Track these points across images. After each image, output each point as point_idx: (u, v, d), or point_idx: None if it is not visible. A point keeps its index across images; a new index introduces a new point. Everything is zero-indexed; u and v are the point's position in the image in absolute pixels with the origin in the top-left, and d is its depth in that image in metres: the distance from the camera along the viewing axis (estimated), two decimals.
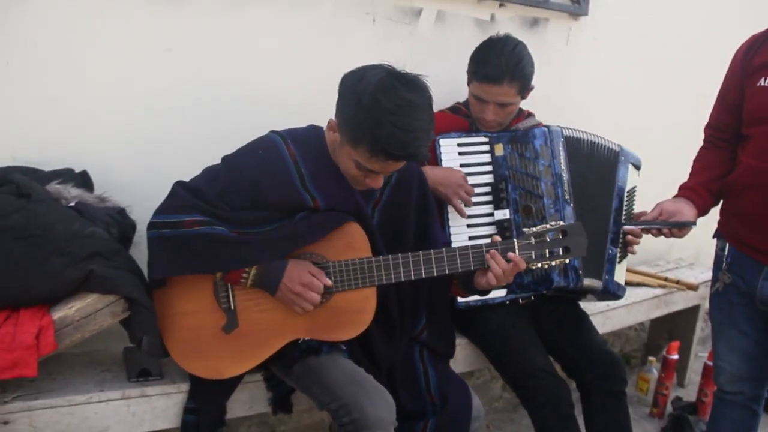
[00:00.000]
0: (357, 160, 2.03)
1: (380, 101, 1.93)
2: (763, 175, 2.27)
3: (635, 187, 2.77)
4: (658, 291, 3.42)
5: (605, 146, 2.70)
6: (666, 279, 3.51)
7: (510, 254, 2.15)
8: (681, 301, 3.52)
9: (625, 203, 2.69)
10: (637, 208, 2.70)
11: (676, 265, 3.87)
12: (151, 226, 2.06)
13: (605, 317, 3.14)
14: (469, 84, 2.69)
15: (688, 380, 3.80)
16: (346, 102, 2.01)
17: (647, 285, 3.45)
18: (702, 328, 3.78)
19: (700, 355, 3.78)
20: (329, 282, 2.09)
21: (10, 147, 2.26)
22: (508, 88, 2.57)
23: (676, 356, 3.46)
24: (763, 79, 2.29)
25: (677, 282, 3.49)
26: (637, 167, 2.80)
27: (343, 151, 2.07)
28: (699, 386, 3.55)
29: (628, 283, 3.33)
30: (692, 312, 3.60)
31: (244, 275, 2.05)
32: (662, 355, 3.49)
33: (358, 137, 1.98)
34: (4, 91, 2.25)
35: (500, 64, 2.54)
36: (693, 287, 3.46)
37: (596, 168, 2.67)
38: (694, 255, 3.83)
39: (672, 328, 3.76)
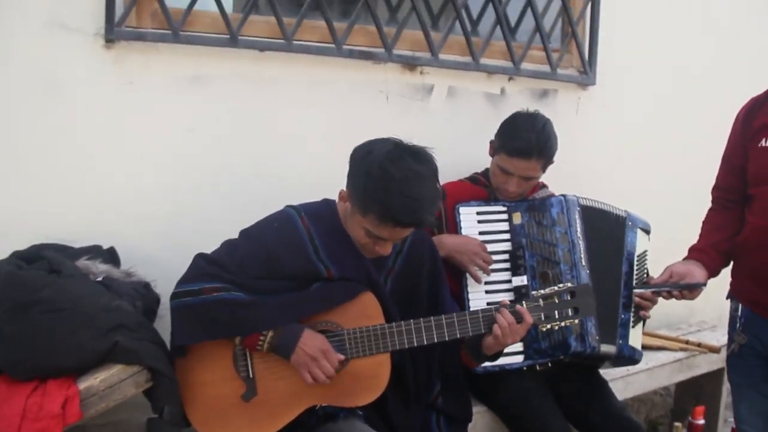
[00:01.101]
0: (367, 228, 2.12)
1: (389, 171, 2.04)
2: None
3: (646, 251, 2.81)
4: (680, 354, 3.39)
5: (613, 213, 2.77)
6: (687, 342, 3.49)
7: (518, 307, 2.21)
8: (704, 365, 3.49)
9: (635, 268, 2.73)
10: (652, 272, 2.72)
11: (698, 328, 3.84)
12: (173, 296, 2.16)
13: (626, 382, 3.13)
14: (493, 155, 2.78)
15: None
16: (356, 173, 2.12)
17: (668, 349, 3.42)
18: (729, 391, 3.72)
19: (729, 420, 3.71)
20: (342, 357, 2.15)
21: (42, 225, 2.38)
22: (535, 163, 2.67)
23: (702, 421, 3.42)
24: (764, 140, 2.35)
25: (698, 345, 3.47)
26: (647, 231, 2.85)
27: (353, 220, 2.16)
28: None
29: (648, 347, 3.34)
30: (717, 375, 3.56)
31: (261, 338, 2.12)
32: (688, 420, 3.45)
33: (368, 206, 2.07)
34: (39, 174, 2.41)
35: (530, 140, 2.64)
36: (715, 349, 3.44)
37: (606, 234, 2.73)
38: (716, 318, 3.80)
39: (698, 392, 3.71)
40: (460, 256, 2.61)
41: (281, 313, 2.14)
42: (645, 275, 2.79)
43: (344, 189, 2.21)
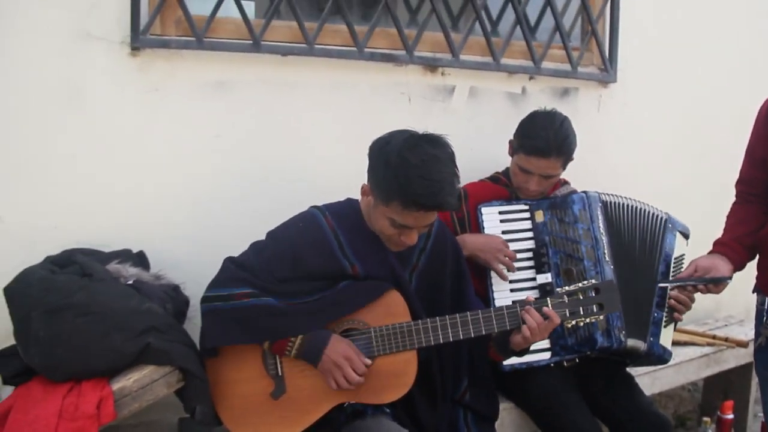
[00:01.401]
0: (391, 218, 2.15)
1: (407, 158, 2.08)
2: None
3: (683, 255, 2.81)
4: (707, 350, 3.38)
5: (651, 213, 2.78)
6: (714, 337, 3.48)
7: (545, 309, 2.22)
8: (732, 359, 3.47)
9: (672, 270, 2.74)
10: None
11: (726, 322, 3.82)
12: (204, 300, 2.20)
13: (653, 378, 3.13)
14: (512, 155, 2.80)
15: None
16: (376, 164, 2.17)
17: (695, 344, 3.41)
18: (758, 386, 3.70)
19: (759, 415, 3.69)
20: (369, 362, 2.18)
21: (74, 231, 2.44)
22: (554, 161, 2.68)
23: (731, 416, 3.40)
24: None
25: (726, 339, 3.46)
26: (686, 236, 2.85)
27: (377, 212, 2.20)
28: None
29: (676, 343, 3.30)
30: (746, 370, 3.54)
31: (290, 344, 2.16)
32: (717, 415, 3.43)
33: (390, 194, 2.11)
34: (70, 181, 2.46)
35: (548, 138, 2.65)
36: (743, 344, 3.42)
37: (641, 233, 2.74)
38: (744, 312, 3.78)
39: (727, 387, 3.69)
40: (483, 255, 2.63)
41: (309, 318, 2.18)
42: None
43: (366, 183, 2.25)
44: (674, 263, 2.75)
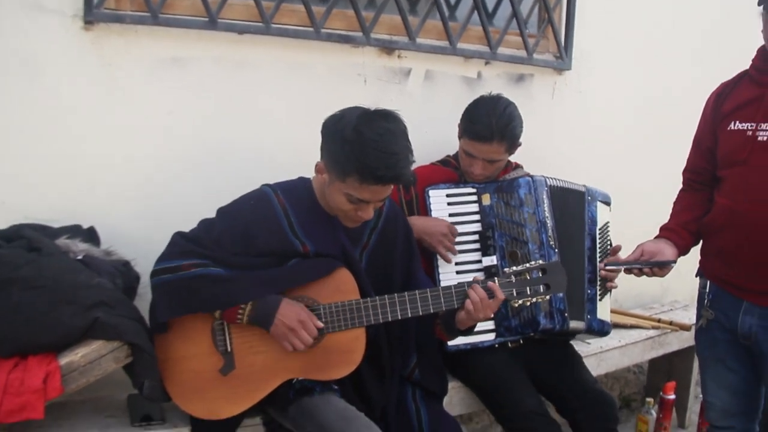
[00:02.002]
0: (348, 193, 2.17)
1: (363, 132, 2.11)
2: (736, 215, 2.36)
3: (607, 223, 2.88)
4: (652, 332, 3.46)
5: (573, 189, 2.82)
6: (659, 320, 3.56)
7: (490, 283, 2.27)
8: (676, 342, 3.56)
9: (598, 241, 2.80)
10: (626, 252, 2.78)
11: (671, 307, 3.91)
12: (153, 274, 2.20)
13: (599, 359, 3.20)
14: (460, 138, 2.81)
15: (689, 421, 3.81)
16: (331, 140, 2.18)
17: (641, 327, 3.49)
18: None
19: (699, 396, 3.79)
20: (321, 324, 2.20)
21: (22, 206, 2.42)
22: (497, 146, 2.70)
23: (672, 396, 3.50)
24: (732, 123, 2.40)
25: (670, 323, 3.54)
26: (607, 203, 2.91)
27: (333, 188, 2.21)
28: (697, 426, 3.59)
29: (622, 326, 3.41)
30: (688, 353, 3.63)
31: (240, 311, 2.16)
32: (660, 396, 3.52)
33: (347, 169, 2.13)
34: (18, 154, 2.43)
35: (491, 124, 2.67)
36: (686, 327, 3.51)
37: (569, 211, 2.79)
38: (689, 297, 3.86)
39: (670, 369, 3.79)
40: (428, 238, 2.66)
41: (259, 286, 2.19)
42: (608, 246, 2.86)
43: (320, 161, 2.25)
44: (600, 233, 2.82)
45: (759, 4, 2.29)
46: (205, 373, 2.22)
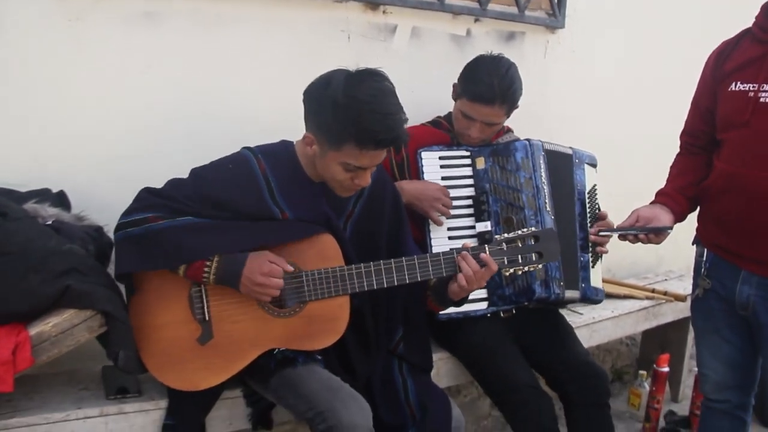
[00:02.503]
0: (345, 161, 2.08)
1: (355, 96, 2.02)
2: (736, 179, 2.28)
3: (595, 185, 2.80)
4: (646, 303, 3.40)
5: (561, 152, 2.74)
6: (653, 290, 3.50)
7: (482, 255, 2.18)
8: (670, 313, 3.50)
9: (588, 206, 2.72)
10: (619, 219, 2.69)
11: (666, 277, 3.86)
12: (117, 228, 2.10)
13: (591, 330, 3.13)
14: (456, 99, 2.72)
15: (682, 395, 3.77)
16: (320, 109, 2.08)
17: (634, 297, 3.43)
18: (694, 340, 3.76)
19: (693, 369, 3.75)
20: (290, 268, 2.11)
21: None
22: (498, 109, 2.61)
23: (666, 369, 3.44)
24: (734, 84, 2.31)
25: (665, 293, 3.48)
26: (593, 165, 2.84)
27: (326, 160, 2.11)
28: (691, 399, 3.54)
29: (615, 296, 3.35)
30: (683, 324, 3.58)
31: (206, 269, 2.06)
32: (653, 368, 3.46)
33: (343, 136, 2.04)
34: None
35: (493, 85, 2.57)
36: (681, 298, 3.44)
37: (560, 176, 2.71)
38: (685, 267, 3.81)
39: (664, 341, 3.74)
40: (419, 203, 2.57)
41: (228, 238, 2.09)
42: (597, 210, 2.79)
43: (307, 133, 2.14)
44: (588, 197, 2.75)
45: None
46: (182, 343, 2.13)
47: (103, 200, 2.40)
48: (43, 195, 2.28)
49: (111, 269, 2.22)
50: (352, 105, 2.01)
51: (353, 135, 2.03)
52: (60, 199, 2.33)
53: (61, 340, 1.99)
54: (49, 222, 2.17)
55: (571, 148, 2.76)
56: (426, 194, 2.57)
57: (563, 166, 2.72)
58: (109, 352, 2.10)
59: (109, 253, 2.28)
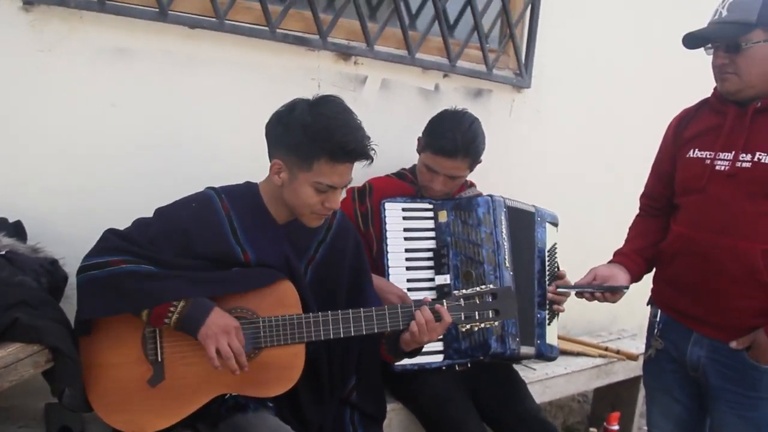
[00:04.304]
0: (316, 181, 2.10)
1: (323, 113, 2.09)
2: (691, 243, 2.32)
3: (555, 244, 2.84)
4: (599, 361, 3.43)
5: (523, 210, 2.77)
6: (606, 349, 3.53)
7: (437, 306, 2.19)
8: (622, 372, 3.53)
9: (547, 263, 2.75)
10: (578, 276, 2.72)
11: (619, 336, 3.89)
12: (80, 270, 2.07)
13: (544, 386, 3.14)
14: (420, 152, 2.75)
15: None
16: (289, 132, 2.11)
17: (587, 355, 3.45)
18: (644, 399, 3.79)
19: (643, 428, 3.77)
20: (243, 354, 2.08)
21: None
22: (460, 162, 2.65)
23: (616, 427, 3.45)
24: (692, 150, 2.37)
25: (617, 352, 3.51)
26: (555, 224, 2.88)
27: (297, 184, 2.13)
28: None
29: (569, 353, 3.37)
30: (634, 383, 3.61)
31: (169, 314, 2.03)
32: (603, 426, 3.48)
33: (314, 153, 2.07)
34: None
35: (456, 139, 2.61)
36: (633, 357, 3.48)
37: (521, 234, 2.73)
38: (637, 327, 3.85)
39: (614, 399, 3.76)
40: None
41: (191, 286, 2.07)
42: (556, 269, 2.81)
43: (276, 160, 2.16)
44: (548, 255, 2.78)
45: (687, 47, 2.30)
46: (132, 383, 2.09)
47: (60, 232, 2.39)
48: None
49: (63, 303, 2.17)
50: (321, 121, 2.08)
51: (326, 149, 2.07)
52: (16, 229, 2.29)
53: (4, 375, 1.91)
54: (2, 252, 2.12)
55: (533, 206, 2.80)
56: (387, 296, 2.54)
57: (525, 224, 2.76)
58: (54, 389, 2.05)
59: (63, 287, 2.24)
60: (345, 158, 2.09)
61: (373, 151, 2.15)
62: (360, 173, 2.25)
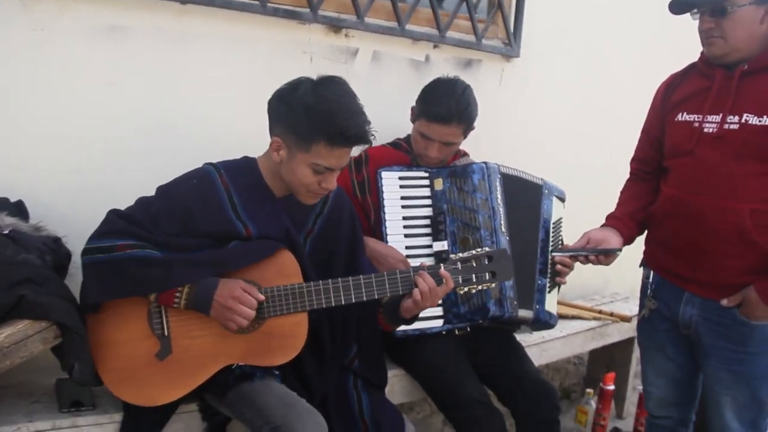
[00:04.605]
0: (314, 162, 2.12)
1: (325, 96, 2.10)
2: (681, 204, 2.37)
3: (561, 218, 2.88)
4: (593, 323, 3.49)
5: (530, 181, 2.82)
6: (600, 312, 3.59)
7: (441, 271, 2.22)
8: (616, 333, 3.59)
9: (551, 235, 2.79)
10: (570, 241, 2.77)
11: (612, 299, 3.96)
12: (84, 252, 2.09)
13: (541, 349, 3.20)
14: (414, 121, 2.77)
15: (627, 412, 3.86)
16: (290, 111, 2.13)
17: (582, 318, 3.51)
18: (638, 359, 3.85)
19: (637, 388, 3.85)
20: (261, 297, 2.13)
21: None
22: (455, 128, 2.67)
23: (611, 387, 3.53)
24: (680, 114, 2.42)
25: (611, 314, 3.57)
26: (562, 199, 2.92)
27: (294, 163, 2.15)
28: (635, 416, 3.64)
29: (564, 316, 3.42)
30: (628, 344, 3.68)
31: (177, 295, 2.08)
32: (599, 387, 3.55)
33: (313, 135, 2.09)
34: None
35: (450, 105, 2.64)
36: (626, 319, 3.54)
37: (524, 202, 2.77)
38: (630, 290, 3.91)
39: (609, 361, 3.82)
40: (377, 265, 2.58)
41: (195, 269, 2.10)
42: (560, 242, 2.86)
43: (275, 138, 2.18)
44: (553, 228, 2.82)
45: (674, 13, 2.34)
46: (140, 358, 2.13)
47: (61, 212, 2.40)
48: (0, 204, 2.26)
49: (68, 281, 2.20)
50: (323, 104, 2.08)
51: (324, 133, 2.08)
52: (18, 209, 2.30)
53: (14, 351, 1.95)
54: (6, 231, 2.14)
55: (541, 179, 2.84)
56: (387, 261, 2.60)
57: (531, 194, 2.80)
58: (64, 364, 2.08)
59: (66, 265, 2.26)
60: (344, 143, 2.11)
61: (373, 137, 2.16)
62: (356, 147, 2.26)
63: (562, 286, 2.88)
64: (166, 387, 2.13)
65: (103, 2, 2.45)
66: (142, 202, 2.19)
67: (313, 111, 2.08)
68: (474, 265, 2.28)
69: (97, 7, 2.44)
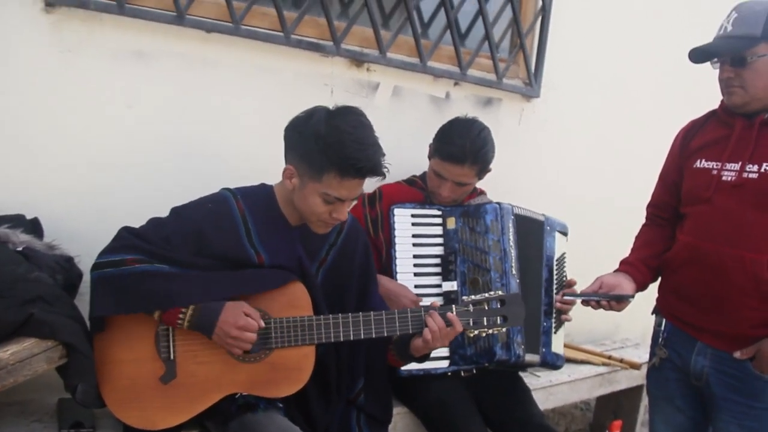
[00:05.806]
0: (325, 192, 2.11)
1: (338, 126, 2.08)
2: (698, 252, 2.35)
3: (564, 253, 2.86)
4: (602, 369, 3.44)
5: (533, 218, 2.80)
6: (610, 357, 3.55)
7: (448, 314, 2.21)
8: (624, 380, 3.54)
9: (555, 272, 2.77)
10: (583, 284, 2.74)
11: (622, 344, 3.91)
12: (94, 267, 2.10)
13: (548, 393, 3.16)
14: (430, 158, 2.77)
15: None
16: (303, 140, 2.12)
17: (591, 363, 3.47)
18: (646, 408, 3.80)
19: None
20: (262, 324, 2.12)
21: None
22: (468, 169, 2.67)
23: None
24: (699, 161, 2.40)
25: (621, 360, 3.53)
26: (564, 234, 2.90)
27: (306, 191, 2.14)
28: None
29: (572, 360, 3.38)
30: (636, 392, 3.63)
31: (181, 315, 2.07)
32: None
33: (325, 165, 2.08)
34: None
35: (464, 146, 2.63)
36: (636, 366, 3.50)
37: (530, 241, 2.76)
38: (640, 336, 3.88)
39: (617, 408, 3.78)
40: (390, 303, 2.58)
41: (203, 288, 2.10)
42: (564, 278, 2.83)
43: (289, 166, 2.18)
44: (556, 265, 2.79)
45: (694, 62, 2.33)
46: (145, 380, 2.12)
47: (76, 231, 2.42)
48: (16, 221, 2.28)
49: (78, 301, 2.20)
50: (334, 134, 2.07)
51: (335, 164, 2.07)
52: (33, 226, 2.32)
53: (18, 369, 1.95)
54: (20, 248, 2.16)
55: (543, 215, 2.82)
56: (399, 300, 2.59)
57: (534, 232, 2.78)
58: (68, 385, 2.08)
59: (77, 284, 2.27)
60: (355, 174, 2.10)
61: (386, 169, 2.14)
62: (371, 180, 2.26)
63: (573, 330, 2.85)
64: (168, 411, 2.12)
65: (130, 28, 2.49)
66: (155, 221, 2.20)
67: (324, 141, 2.07)
68: (486, 308, 2.27)
69: (124, 32, 2.48)
